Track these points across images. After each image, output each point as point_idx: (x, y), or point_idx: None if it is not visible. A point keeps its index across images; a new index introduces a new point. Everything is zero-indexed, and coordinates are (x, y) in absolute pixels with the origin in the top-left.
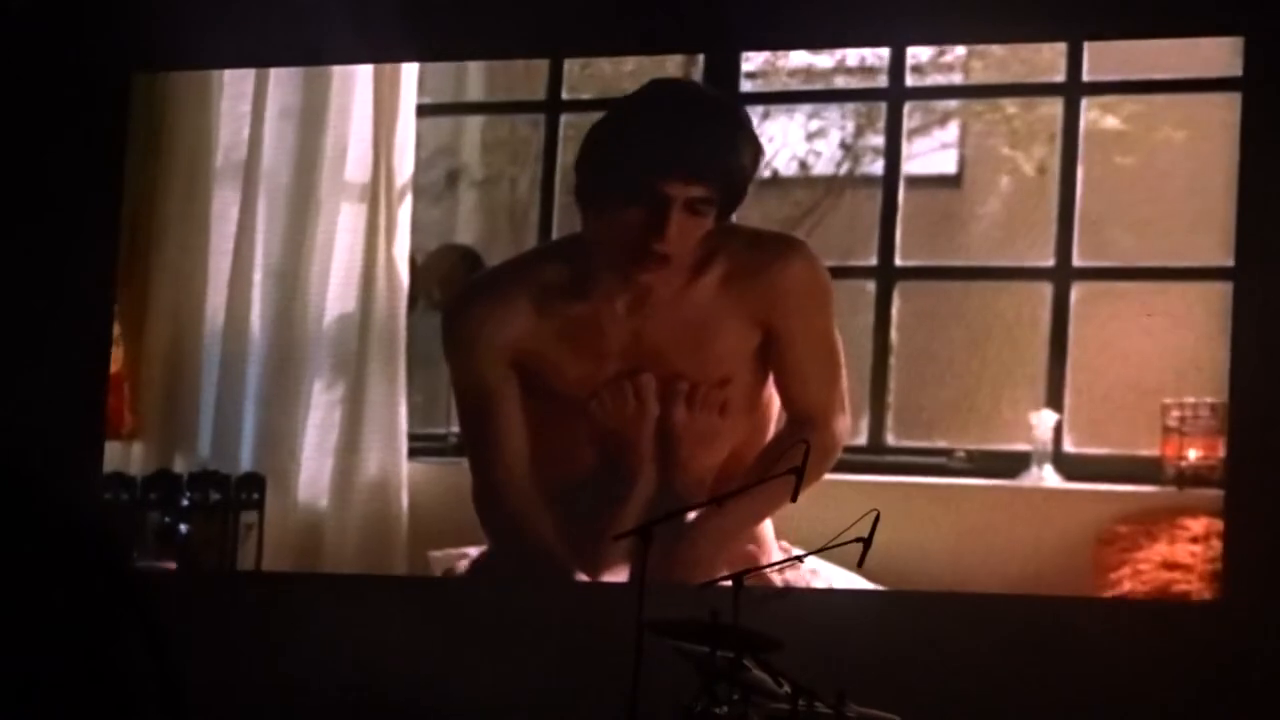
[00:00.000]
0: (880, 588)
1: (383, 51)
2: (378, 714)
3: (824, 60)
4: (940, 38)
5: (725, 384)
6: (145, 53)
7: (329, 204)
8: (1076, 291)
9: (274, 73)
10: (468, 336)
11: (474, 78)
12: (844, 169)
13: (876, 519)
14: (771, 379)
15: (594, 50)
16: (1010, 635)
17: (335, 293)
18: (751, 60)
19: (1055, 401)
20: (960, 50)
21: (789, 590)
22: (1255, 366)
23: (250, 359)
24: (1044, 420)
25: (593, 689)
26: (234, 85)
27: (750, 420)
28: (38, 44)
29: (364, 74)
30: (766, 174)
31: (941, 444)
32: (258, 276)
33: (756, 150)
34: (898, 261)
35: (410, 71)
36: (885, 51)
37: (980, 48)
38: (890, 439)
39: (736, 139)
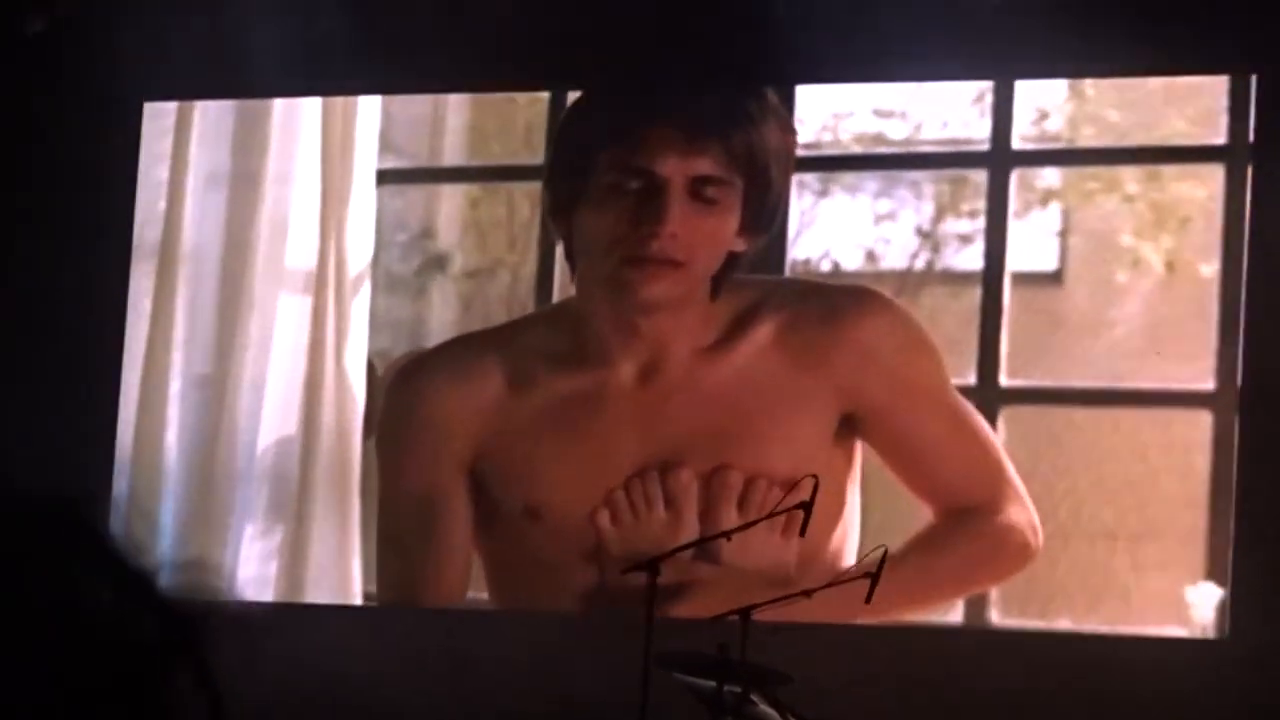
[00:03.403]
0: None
1: (385, 82)
2: None
3: (896, 127)
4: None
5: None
6: (158, 83)
7: (265, 295)
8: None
9: (198, 130)
10: (411, 420)
11: (453, 136)
12: (920, 261)
13: (885, 555)
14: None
15: (611, 86)
16: (1026, 672)
17: (272, 409)
18: (806, 123)
19: (1218, 571)
20: (1068, 108)
21: (798, 623)
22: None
23: (165, 492)
24: (1204, 596)
25: None
26: (149, 144)
27: (823, 550)
28: (51, 71)
29: (309, 131)
30: (825, 266)
31: (1063, 624)
32: (175, 386)
33: (784, 125)
34: (1003, 380)
35: (368, 128)
36: (973, 116)
37: (1093, 112)
38: (994, 616)
39: (749, 99)
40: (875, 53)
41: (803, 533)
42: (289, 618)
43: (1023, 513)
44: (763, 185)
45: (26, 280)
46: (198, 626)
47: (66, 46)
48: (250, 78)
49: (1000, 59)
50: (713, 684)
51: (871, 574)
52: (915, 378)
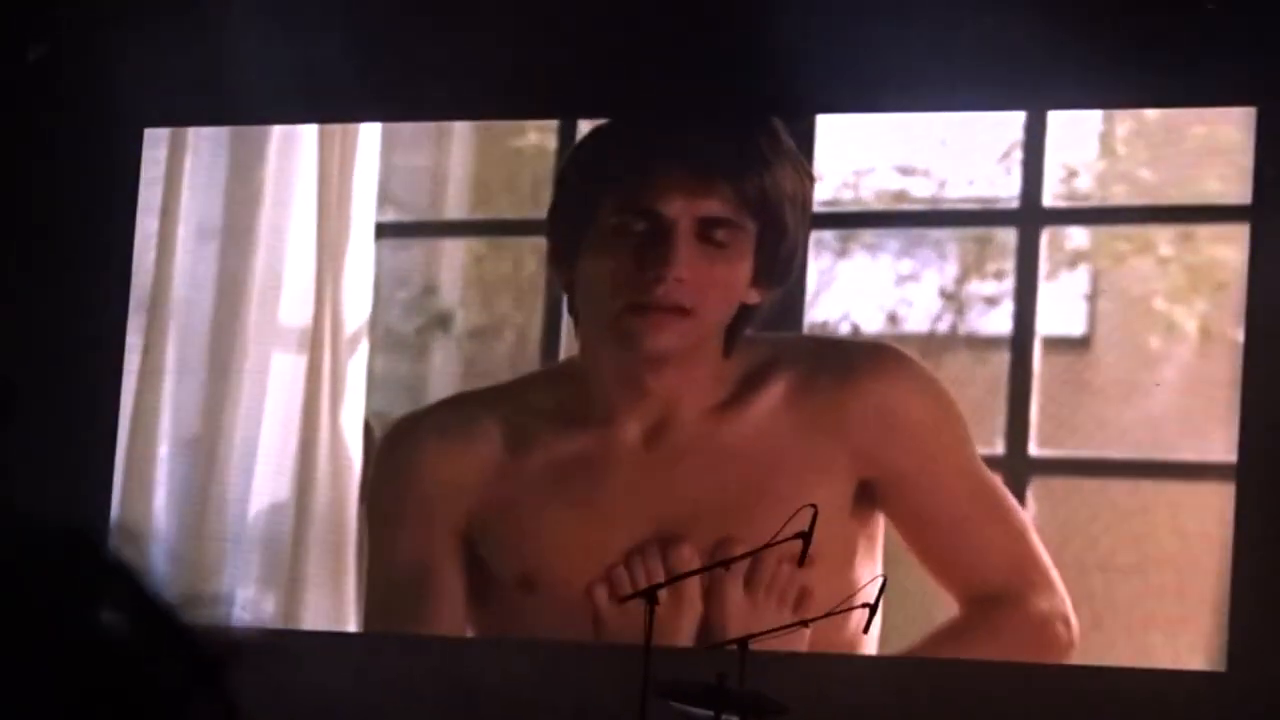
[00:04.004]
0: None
1: (384, 110)
2: None
3: (920, 185)
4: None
5: (808, 564)
6: (159, 108)
7: (258, 354)
8: None
9: (189, 181)
10: (401, 485)
11: (456, 189)
12: (944, 324)
13: (884, 584)
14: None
15: (619, 113)
16: (1028, 703)
17: (264, 473)
18: (825, 179)
19: None
20: (1098, 166)
21: (797, 653)
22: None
23: (152, 561)
24: None
25: None
26: (139, 195)
27: (840, 631)
28: (52, 97)
29: (304, 182)
30: (844, 328)
31: None
32: (163, 449)
33: (799, 167)
34: (1032, 450)
35: (366, 179)
36: (999, 174)
37: (1125, 170)
38: None
39: (762, 138)
40: (897, 83)
41: (801, 562)
42: (289, 644)
43: (1054, 602)
44: (777, 230)
45: (23, 299)
46: (221, 660)
47: (67, 73)
48: (251, 104)
49: (1026, 89)
50: (710, 713)
51: (870, 604)
52: (937, 443)
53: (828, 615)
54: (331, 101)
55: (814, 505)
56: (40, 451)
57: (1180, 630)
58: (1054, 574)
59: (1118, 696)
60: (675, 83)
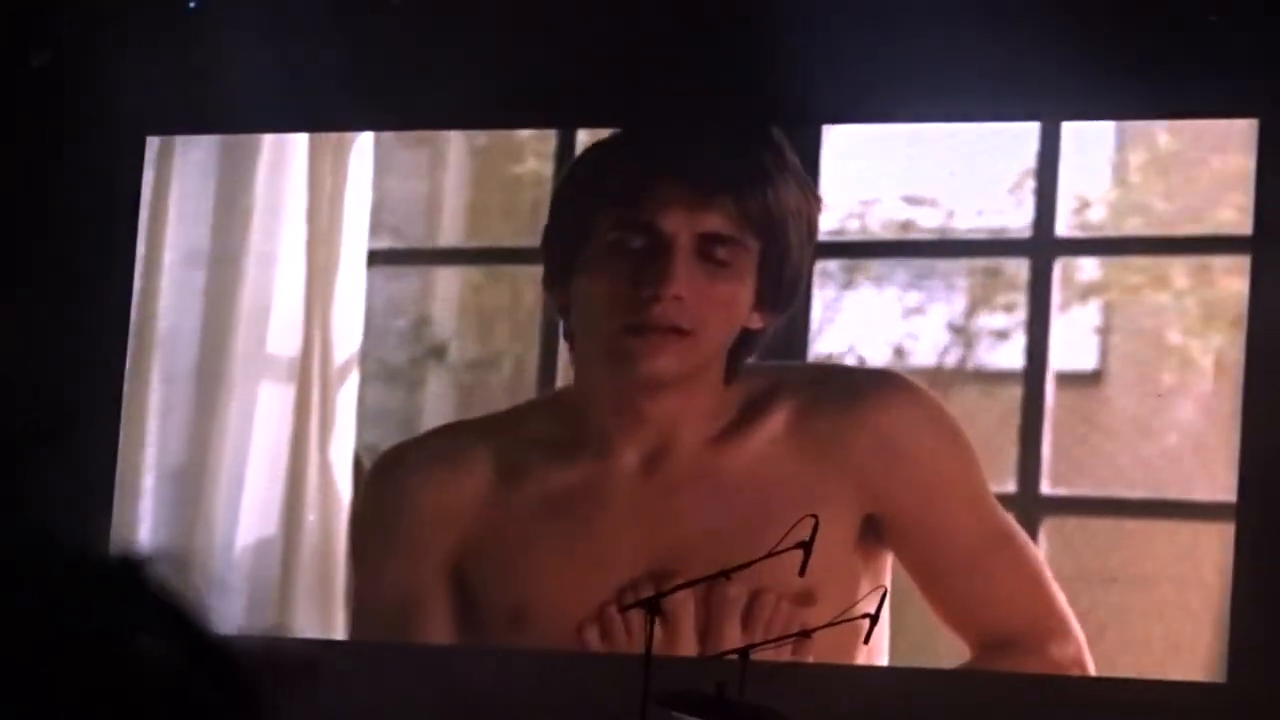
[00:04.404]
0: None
1: (383, 118)
2: None
3: (928, 215)
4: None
5: (809, 603)
6: (161, 116)
7: (244, 384)
8: None
9: (175, 206)
10: (389, 517)
11: (451, 215)
12: (952, 358)
13: (884, 595)
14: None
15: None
16: (1029, 714)
17: (251, 507)
18: (831, 209)
19: None
20: (1111, 195)
21: (798, 664)
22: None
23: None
24: None
25: None
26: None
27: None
28: (55, 103)
29: (294, 207)
30: (850, 361)
31: None
32: (148, 481)
33: (804, 185)
34: (1044, 489)
35: (359, 205)
36: (1009, 205)
37: (1139, 201)
38: None
39: (766, 154)
40: (902, 92)
41: (802, 572)
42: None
43: (1071, 648)
44: (780, 250)
45: (23, 302)
46: (261, 688)
47: (69, 80)
48: (251, 110)
49: (1027, 100)
50: None
51: (871, 615)
52: (946, 476)
53: (829, 625)
54: (330, 108)
55: (815, 516)
56: (38, 460)
57: (1193, 669)
58: (1071, 619)
59: (1119, 707)
60: (676, 84)
